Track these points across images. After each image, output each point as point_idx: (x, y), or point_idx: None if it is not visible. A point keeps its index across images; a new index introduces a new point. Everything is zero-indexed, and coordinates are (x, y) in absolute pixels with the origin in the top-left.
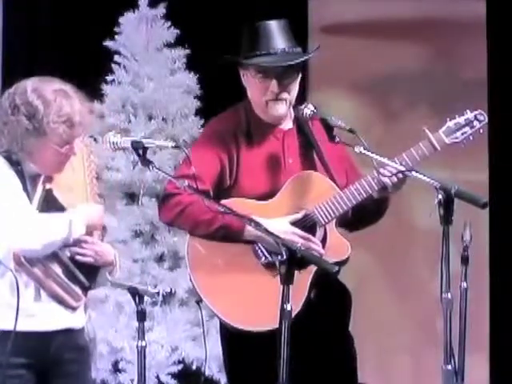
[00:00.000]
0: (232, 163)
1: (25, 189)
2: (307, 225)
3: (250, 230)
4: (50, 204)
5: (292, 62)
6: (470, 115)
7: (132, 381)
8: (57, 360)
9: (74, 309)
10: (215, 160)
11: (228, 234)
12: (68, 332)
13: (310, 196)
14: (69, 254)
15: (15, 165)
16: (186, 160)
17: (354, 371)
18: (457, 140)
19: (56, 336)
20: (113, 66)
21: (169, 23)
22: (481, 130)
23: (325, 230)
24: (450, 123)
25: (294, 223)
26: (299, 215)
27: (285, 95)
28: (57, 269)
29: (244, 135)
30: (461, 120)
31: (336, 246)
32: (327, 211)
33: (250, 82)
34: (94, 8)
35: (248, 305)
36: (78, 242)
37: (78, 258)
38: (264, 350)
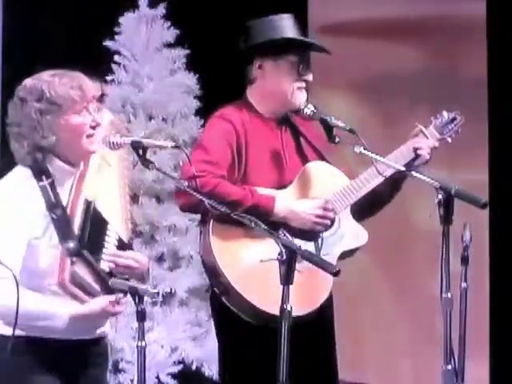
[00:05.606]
0: (239, 158)
1: (58, 203)
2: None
3: (278, 211)
4: (93, 217)
5: (313, 41)
6: (450, 114)
7: (132, 381)
8: (86, 365)
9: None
10: (227, 151)
11: (258, 214)
12: (99, 339)
13: (323, 184)
14: (107, 270)
15: (45, 177)
16: (198, 147)
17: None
18: (444, 135)
19: (88, 344)
20: (113, 66)
21: (169, 23)
22: (459, 129)
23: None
24: (437, 121)
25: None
26: (321, 201)
27: (309, 77)
28: (94, 284)
29: (246, 132)
30: (445, 116)
31: (355, 232)
32: (341, 199)
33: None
34: (94, 8)
35: (269, 290)
36: (113, 256)
37: (118, 275)
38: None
